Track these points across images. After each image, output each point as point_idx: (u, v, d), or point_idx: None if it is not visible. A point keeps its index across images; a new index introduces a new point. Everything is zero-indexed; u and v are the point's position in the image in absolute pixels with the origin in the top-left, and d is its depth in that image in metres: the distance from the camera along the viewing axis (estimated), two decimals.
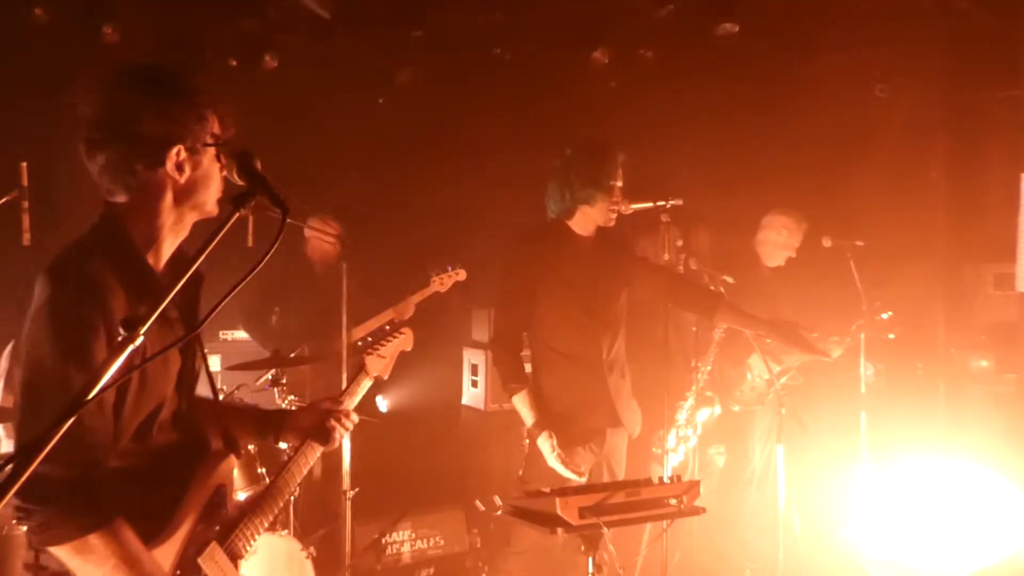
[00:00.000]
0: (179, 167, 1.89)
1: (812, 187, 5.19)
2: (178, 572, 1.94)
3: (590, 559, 2.56)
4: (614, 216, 3.59)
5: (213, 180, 1.95)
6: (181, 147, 1.88)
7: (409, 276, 5.21)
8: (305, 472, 2.36)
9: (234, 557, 2.08)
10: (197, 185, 1.93)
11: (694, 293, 3.87)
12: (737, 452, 4.93)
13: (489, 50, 6.02)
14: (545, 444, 3.49)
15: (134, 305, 1.82)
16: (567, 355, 3.60)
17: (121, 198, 1.89)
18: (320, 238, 4.98)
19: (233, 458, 2.13)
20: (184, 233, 1.99)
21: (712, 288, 4.06)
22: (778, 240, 4.86)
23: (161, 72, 1.91)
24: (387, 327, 2.72)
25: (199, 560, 1.98)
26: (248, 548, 2.13)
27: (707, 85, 5.63)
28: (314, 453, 2.37)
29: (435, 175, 6.20)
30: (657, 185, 3.65)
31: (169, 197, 1.91)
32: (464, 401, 5.95)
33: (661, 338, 3.65)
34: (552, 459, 3.48)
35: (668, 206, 3.50)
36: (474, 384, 5.83)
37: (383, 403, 6.37)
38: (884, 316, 4.58)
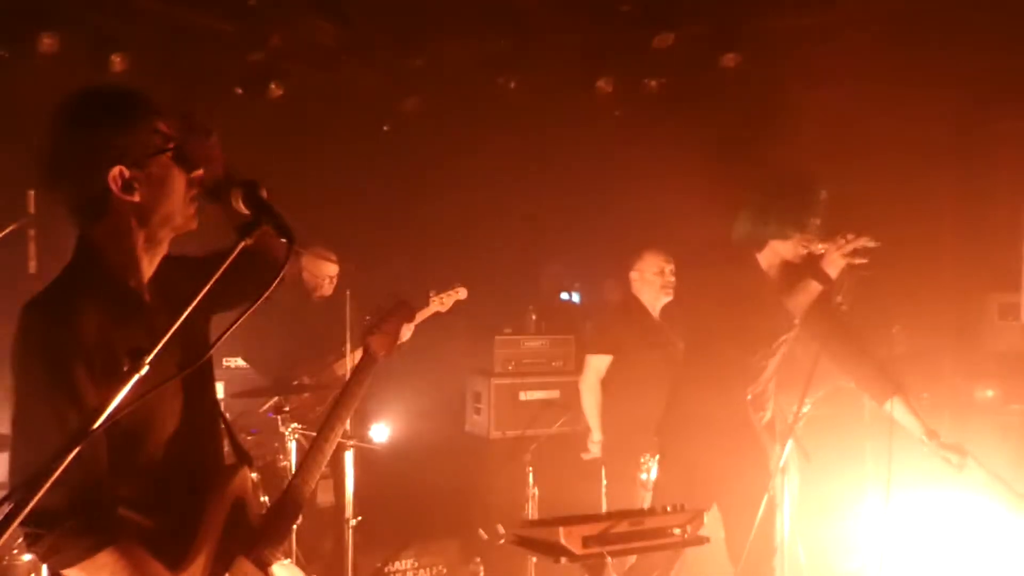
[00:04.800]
0: (126, 187, 1.80)
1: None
2: None
3: None
4: (804, 254, 3.54)
5: (174, 190, 1.86)
6: (120, 167, 1.79)
7: (411, 298, 5.19)
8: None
9: (263, 566, 2.06)
10: (156, 200, 1.84)
11: (871, 374, 3.76)
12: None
13: (493, 79, 6.07)
14: None
15: (120, 330, 1.80)
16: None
17: (91, 227, 1.85)
18: (318, 266, 4.98)
19: (247, 469, 2.12)
20: (162, 250, 1.94)
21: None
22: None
23: (80, 98, 1.82)
24: (386, 303, 2.61)
25: None
26: (277, 554, 2.11)
27: (710, 115, 5.66)
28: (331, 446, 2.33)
29: (439, 202, 6.23)
30: None
31: (132, 218, 1.84)
32: (467, 428, 5.93)
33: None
34: None
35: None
36: (477, 411, 5.81)
37: (385, 430, 6.35)
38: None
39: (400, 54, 5.81)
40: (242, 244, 1.64)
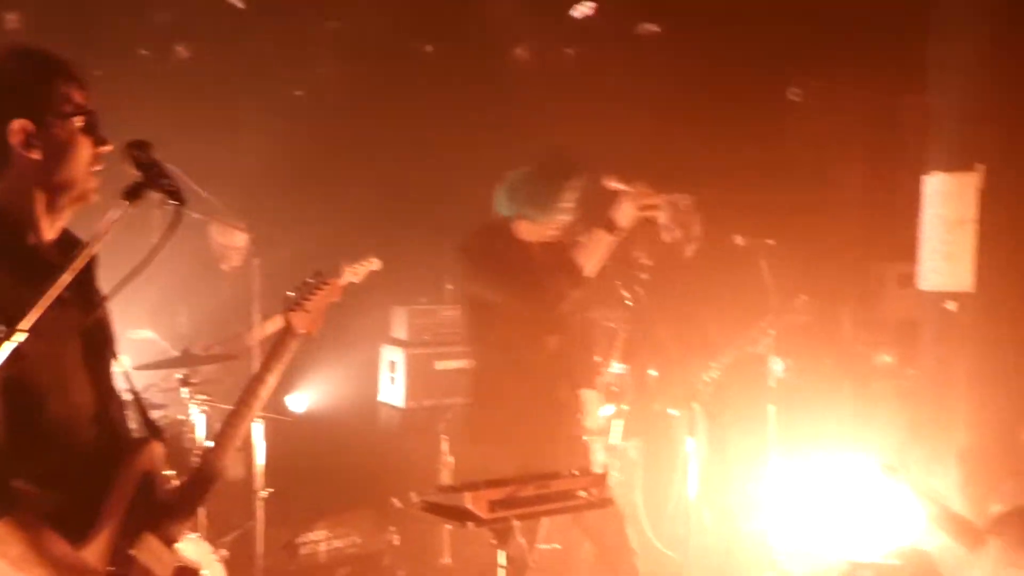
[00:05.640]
0: (27, 144, 1.78)
1: (725, 186, 5.30)
2: (112, 569, 1.87)
3: (502, 552, 2.57)
4: (554, 235, 3.51)
5: (77, 157, 1.84)
6: (25, 121, 1.77)
7: (323, 268, 5.11)
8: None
9: (170, 541, 2.02)
10: (58, 163, 1.82)
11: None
12: (659, 446, 5.00)
13: (410, 43, 5.99)
14: None
15: (18, 288, 1.73)
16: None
17: None
18: (226, 236, 4.87)
19: (157, 444, 2.07)
20: (63, 216, 1.90)
21: None
22: (678, 220, 4.88)
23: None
24: (311, 279, 2.56)
25: (132, 552, 1.91)
26: (185, 530, 2.07)
27: (628, 83, 5.70)
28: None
29: (352, 170, 6.13)
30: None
31: (32, 177, 1.81)
32: (381, 398, 5.90)
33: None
34: None
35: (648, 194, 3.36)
36: (391, 381, 5.78)
37: (298, 401, 6.27)
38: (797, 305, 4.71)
39: (313, 16, 5.68)
40: (126, 207, 1.59)
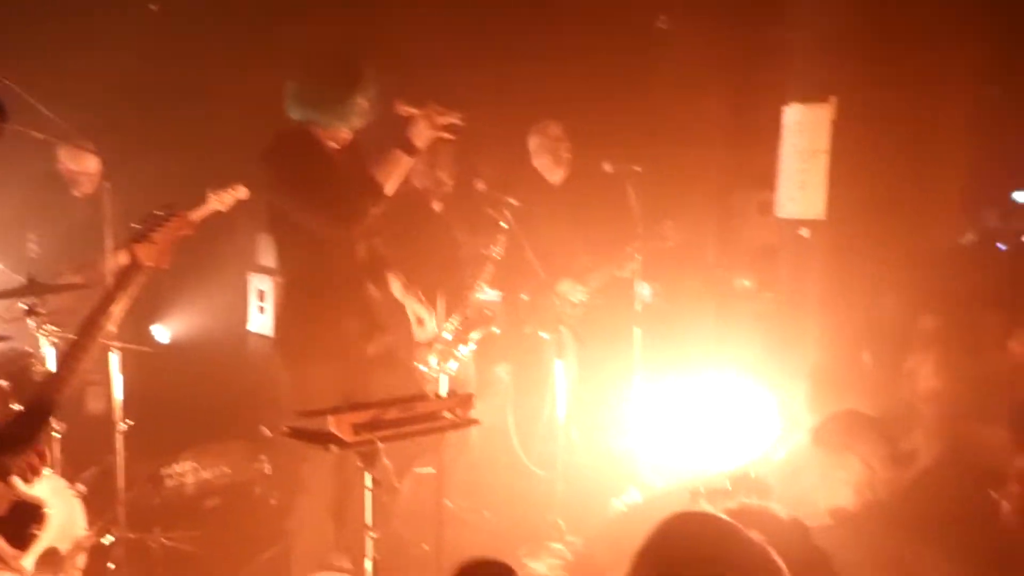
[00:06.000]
0: None
1: (593, 114, 5.35)
2: None
3: (368, 474, 2.59)
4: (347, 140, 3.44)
5: None
6: None
7: (184, 196, 4.90)
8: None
9: (4, 474, 1.94)
10: None
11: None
12: (530, 369, 5.09)
13: None
14: None
15: None
16: None
17: None
18: (76, 159, 4.61)
19: None
20: None
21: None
22: (545, 145, 4.94)
23: None
24: (159, 211, 2.47)
25: None
26: (21, 462, 1.99)
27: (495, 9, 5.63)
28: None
29: (216, 93, 5.84)
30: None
31: None
32: (250, 328, 5.77)
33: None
34: None
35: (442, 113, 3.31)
36: (261, 310, 5.66)
37: (162, 332, 6.07)
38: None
39: None
40: None
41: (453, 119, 3.35)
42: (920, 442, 3.26)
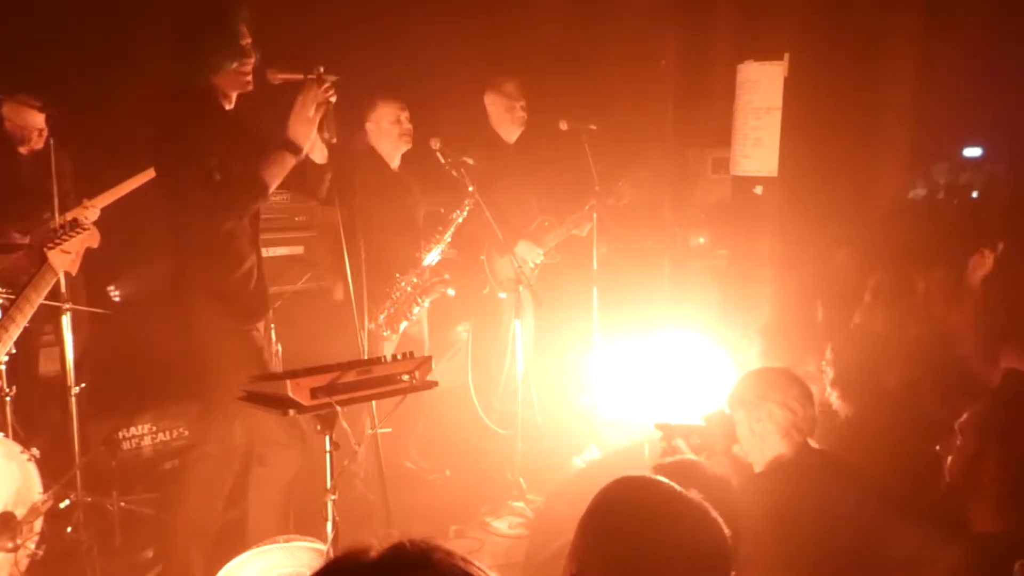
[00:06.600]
0: None
1: (550, 72, 5.32)
2: None
3: (327, 437, 2.60)
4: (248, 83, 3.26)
5: None
6: None
7: (138, 148, 4.77)
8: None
9: None
10: None
11: None
12: (489, 329, 5.11)
13: None
14: None
15: None
16: None
17: None
18: (22, 115, 4.48)
19: None
20: None
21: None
22: (501, 103, 4.90)
23: None
24: (66, 224, 2.59)
25: None
26: None
27: None
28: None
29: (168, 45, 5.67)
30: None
31: None
32: None
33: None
34: None
35: (324, 78, 3.14)
36: None
37: (116, 292, 5.97)
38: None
39: None
40: None
41: (328, 86, 3.15)
42: (849, 390, 3.37)
